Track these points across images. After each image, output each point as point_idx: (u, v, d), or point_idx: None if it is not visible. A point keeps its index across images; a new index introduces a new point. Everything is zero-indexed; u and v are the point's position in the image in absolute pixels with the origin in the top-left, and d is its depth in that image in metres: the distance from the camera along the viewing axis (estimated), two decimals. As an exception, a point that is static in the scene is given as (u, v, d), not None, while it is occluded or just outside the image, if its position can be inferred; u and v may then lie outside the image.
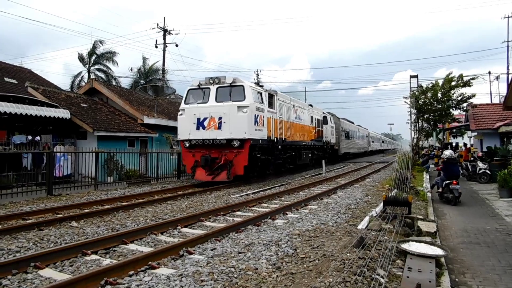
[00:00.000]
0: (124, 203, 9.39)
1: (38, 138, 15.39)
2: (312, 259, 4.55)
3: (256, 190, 11.98)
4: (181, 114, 13.47)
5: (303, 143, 19.18)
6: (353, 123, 38.56)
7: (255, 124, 12.89)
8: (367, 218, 7.11)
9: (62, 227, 6.79)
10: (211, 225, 7.12)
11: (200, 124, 12.98)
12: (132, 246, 5.57)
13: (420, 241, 5.39)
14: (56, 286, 3.73)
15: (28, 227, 6.62)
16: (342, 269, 4.00)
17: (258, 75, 48.22)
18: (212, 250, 5.20)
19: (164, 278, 4.08)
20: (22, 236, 6.12)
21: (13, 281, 4.17)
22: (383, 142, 68.09)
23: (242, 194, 11.11)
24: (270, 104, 14.69)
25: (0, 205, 9.33)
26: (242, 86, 12.94)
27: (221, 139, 12.60)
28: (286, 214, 8.11)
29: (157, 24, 27.93)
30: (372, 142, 51.43)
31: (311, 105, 22.61)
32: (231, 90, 12.99)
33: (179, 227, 6.77)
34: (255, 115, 12.89)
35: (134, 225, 6.88)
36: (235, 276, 4.10)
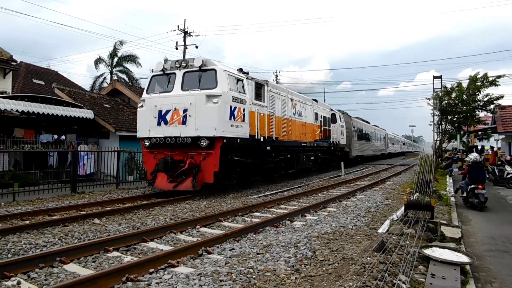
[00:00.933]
0: (144, 202, 9.63)
1: (63, 137, 15.92)
2: (331, 262, 4.53)
3: (273, 192, 11.98)
4: (141, 106, 11.21)
5: (303, 144, 16.89)
6: (368, 122, 36.55)
7: (230, 119, 10.46)
8: (387, 222, 6.97)
9: (85, 224, 7.01)
10: (230, 225, 7.19)
11: (161, 118, 10.60)
12: (152, 244, 5.69)
13: (443, 247, 5.23)
14: (80, 281, 3.85)
15: (54, 223, 6.86)
16: (363, 274, 3.93)
17: (277, 76, 47.47)
18: (230, 250, 5.24)
19: (183, 276, 4.13)
20: (48, 231, 6.34)
21: (40, 274, 4.34)
22: (403, 144, 66.45)
23: (260, 195, 11.30)
24: (259, 96, 12.60)
25: (28, 201, 9.73)
26: (214, 70, 10.43)
27: (185, 137, 10.14)
28: (305, 216, 8.13)
29: (178, 26, 28.36)
30: (392, 144, 49.79)
31: (315, 100, 20.20)
32: (200, 76, 10.54)
33: (198, 226, 6.88)
34: (230, 107, 10.46)
35: (154, 224, 7.01)
36: (253, 277, 4.11)
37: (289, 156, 15.67)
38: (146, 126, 10.98)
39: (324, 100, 45.55)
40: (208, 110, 10.19)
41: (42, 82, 23.67)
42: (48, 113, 13.84)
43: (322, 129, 20.70)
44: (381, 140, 41.41)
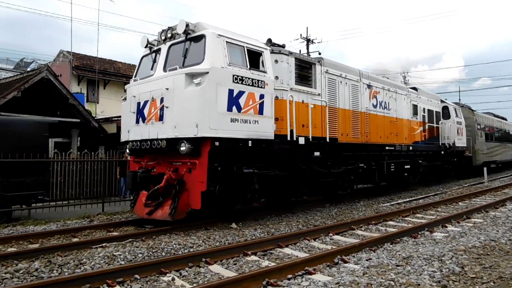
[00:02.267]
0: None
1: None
2: (485, 281, 4.20)
3: (407, 199, 11.52)
4: (124, 99, 8.39)
5: (388, 148, 12.07)
6: (505, 119, 27.67)
7: (230, 109, 6.85)
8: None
9: (224, 228, 7.19)
10: (363, 234, 7.02)
11: (140, 113, 7.58)
12: (287, 250, 5.74)
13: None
14: (226, 282, 4.03)
15: (197, 226, 7.20)
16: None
17: (405, 77, 41.32)
18: (367, 260, 5.08)
19: (321, 284, 4.11)
20: (193, 233, 6.67)
21: (189, 272, 4.64)
22: None
23: (392, 203, 10.83)
24: (304, 79, 8.96)
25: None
26: (203, 36, 6.99)
27: (159, 140, 7.01)
28: (446, 226, 7.51)
29: (300, 35, 28.39)
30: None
31: (414, 89, 15.03)
32: (187, 48, 7.15)
33: (330, 234, 6.78)
34: (230, 91, 6.87)
35: (288, 230, 7.13)
36: (394, 291, 3.89)
37: (362, 165, 10.85)
38: (126, 126, 8.06)
39: (459, 100, 36.81)
40: (188, 96, 6.63)
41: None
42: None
43: (427, 127, 14.94)
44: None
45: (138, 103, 7.63)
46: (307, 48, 28.45)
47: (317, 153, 9.03)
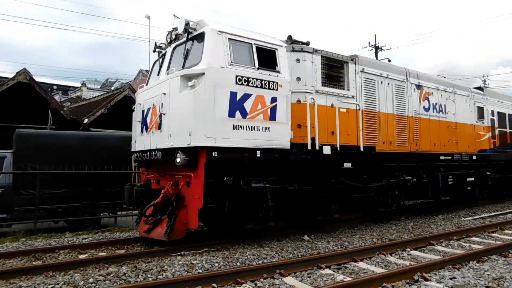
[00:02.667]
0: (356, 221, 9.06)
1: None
2: None
3: (493, 214, 10.57)
4: (134, 108, 7.91)
5: (443, 157, 10.18)
6: None
7: (232, 115, 5.99)
8: None
9: (296, 240, 7.11)
10: (444, 250, 6.61)
11: (144, 121, 7.03)
12: (362, 265, 5.56)
13: None
14: None
15: (270, 237, 7.13)
16: None
17: (485, 80, 37.34)
18: (451, 279, 4.76)
19: None
20: (266, 245, 6.64)
21: (264, 284, 4.64)
22: None
23: (475, 217, 10.10)
24: (333, 80, 7.85)
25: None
26: (203, 34, 6.27)
27: (156, 151, 6.41)
28: None
29: (368, 43, 27.91)
30: None
31: (479, 89, 12.97)
32: (187, 48, 6.51)
33: (408, 249, 6.45)
34: (233, 94, 6.02)
35: (361, 243, 6.95)
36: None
37: (410, 177, 9.22)
38: (134, 136, 7.59)
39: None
40: (183, 101, 5.92)
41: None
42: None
43: (497, 132, 12.63)
44: None
45: (143, 111, 7.12)
46: (376, 56, 27.55)
47: (347, 165, 7.72)
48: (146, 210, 6.30)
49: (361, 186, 8.05)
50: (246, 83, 6.19)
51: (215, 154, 5.75)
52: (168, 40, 7.13)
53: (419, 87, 10.11)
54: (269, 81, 6.48)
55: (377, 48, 27.91)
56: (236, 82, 6.08)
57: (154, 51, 7.58)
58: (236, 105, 6.04)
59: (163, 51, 7.41)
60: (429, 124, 10.18)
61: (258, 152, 6.23)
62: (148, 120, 6.86)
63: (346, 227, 8.31)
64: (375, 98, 8.82)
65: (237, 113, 6.05)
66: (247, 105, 6.17)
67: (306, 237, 7.28)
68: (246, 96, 6.16)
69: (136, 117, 7.29)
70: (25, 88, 12.64)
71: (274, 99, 6.51)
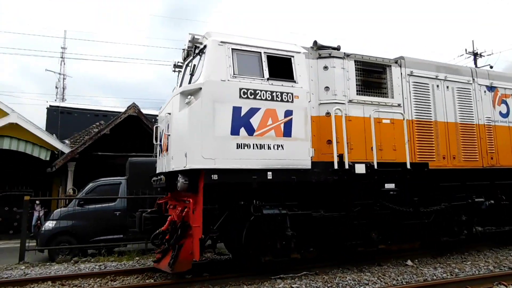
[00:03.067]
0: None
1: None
2: None
3: None
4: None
5: None
6: None
7: (236, 132, 5.36)
8: None
9: (399, 265, 6.82)
10: None
11: (160, 143, 6.70)
12: None
13: None
14: None
15: (371, 262, 6.88)
16: None
17: None
18: None
19: None
20: (366, 269, 6.41)
21: None
22: None
23: None
24: (374, 87, 6.87)
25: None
26: (205, 47, 5.85)
27: (160, 175, 6.21)
28: None
29: (465, 50, 25.26)
30: None
31: None
32: (194, 64, 6.05)
33: None
34: (236, 109, 5.39)
35: (475, 271, 6.38)
36: None
37: (482, 199, 7.40)
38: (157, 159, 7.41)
39: None
40: (181, 120, 5.52)
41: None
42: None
43: None
44: None
45: (161, 133, 6.88)
46: (475, 64, 24.81)
47: (389, 185, 6.44)
48: (152, 238, 5.91)
49: (411, 211, 6.66)
50: (252, 96, 5.55)
51: (214, 177, 5.14)
52: (183, 58, 6.89)
53: (491, 88, 8.36)
54: (282, 93, 5.74)
55: (476, 55, 25.07)
56: (240, 96, 5.47)
57: (174, 71, 7.41)
58: (241, 121, 5.41)
59: (181, 70, 7.19)
60: (509, 132, 8.29)
61: (269, 173, 5.44)
62: (162, 142, 6.61)
63: (454, 252, 7.67)
64: (429, 105, 7.45)
65: (242, 130, 5.41)
66: (255, 120, 5.49)
67: (409, 262, 6.95)
68: (253, 111, 5.50)
69: (155, 139, 7.09)
70: (134, 120, 13.82)
71: (289, 113, 5.73)
